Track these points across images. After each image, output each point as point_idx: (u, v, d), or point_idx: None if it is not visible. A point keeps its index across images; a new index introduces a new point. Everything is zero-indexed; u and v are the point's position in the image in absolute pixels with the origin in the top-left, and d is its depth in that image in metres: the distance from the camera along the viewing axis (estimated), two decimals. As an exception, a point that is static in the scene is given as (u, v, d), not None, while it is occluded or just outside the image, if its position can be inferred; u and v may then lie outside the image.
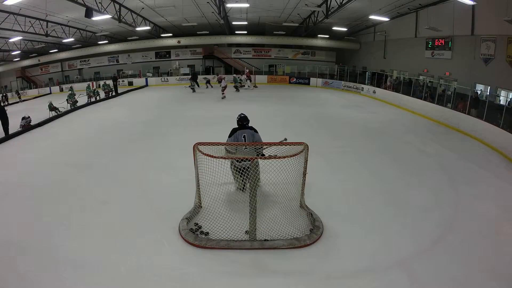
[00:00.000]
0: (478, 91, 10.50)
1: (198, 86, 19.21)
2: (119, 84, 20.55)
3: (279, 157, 3.68)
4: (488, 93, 10.79)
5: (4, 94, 21.49)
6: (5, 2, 10.23)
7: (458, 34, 12.71)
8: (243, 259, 3.50)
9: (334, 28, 17.60)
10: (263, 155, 4.10)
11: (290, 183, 3.94)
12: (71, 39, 18.14)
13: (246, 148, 4.27)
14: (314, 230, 3.90)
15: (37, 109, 13.47)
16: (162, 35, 21.00)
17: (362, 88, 17.43)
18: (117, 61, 25.02)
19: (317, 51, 24.14)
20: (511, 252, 3.70)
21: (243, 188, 4.76)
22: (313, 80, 20.73)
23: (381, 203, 4.83)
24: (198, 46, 24.01)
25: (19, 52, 21.48)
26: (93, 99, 16.10)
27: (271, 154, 3.88)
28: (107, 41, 22.39)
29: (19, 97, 21.93)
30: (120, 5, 13.59)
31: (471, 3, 10.66)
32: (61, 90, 23.24)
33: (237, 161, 4.26)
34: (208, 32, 21.04)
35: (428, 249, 3.70)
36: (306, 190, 4.38)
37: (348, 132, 9.30)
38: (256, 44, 23.72)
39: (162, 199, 4.86)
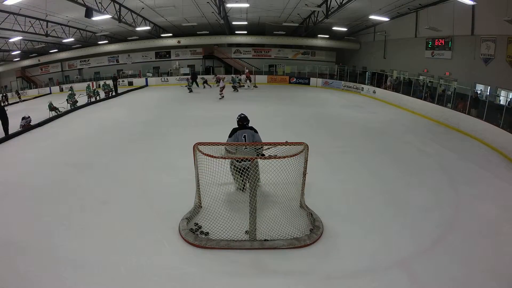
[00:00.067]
0: (478, 91, 10.52)
1: (198, 86, 19.20)
2: (119, 84, 20.55)
3: (279, 157, 3.68)
4: (488, 93, 10.79)
5: (4, 94, 21.47)
6: (5, 2, 10.23)
7: (458, 34, 12.70)
8: (243, 259, 3.50)
9: (334, 28, 17.59)
10: (263, 155, 4.10)
11: (290, 183, 3.94)
12: (71, 39, 18.13)
13: (246, 148, 4.27)
14: (314, 230, 3.91)
15: (37, 109, 13.46)
16: (162, 35, 20.99)
17: (362, 88, 17.42)
18: (117, 61, 25.01)
19: (317, 51, 24.12)
20: (511, 252, 3.70)
21: (243, 188, 4.75)
22: (313, 80, 20.71)
23: (381, 203, 4.83)
24: (198, 46, 23.99)
25: (19, 52, 21.48)
26: (93, 99, 16.10)
27: (271, 154, 3.88)
28: (107, 41, 22.38)
29: (19, 97, 21.91)
30: (120, 5, 13.59)
31: (471, 3, 10.66)
32: (61, 90, 23.22)
33: (237, 161, 4.26)
34: (208, 32, 21.02)
35: (428, 249, 3.70)
36: (306, 190, 4.38)
37: (348, 132, 9.30)
38: (256, 44, 23.70)
39: (162, 199, 4.86)
